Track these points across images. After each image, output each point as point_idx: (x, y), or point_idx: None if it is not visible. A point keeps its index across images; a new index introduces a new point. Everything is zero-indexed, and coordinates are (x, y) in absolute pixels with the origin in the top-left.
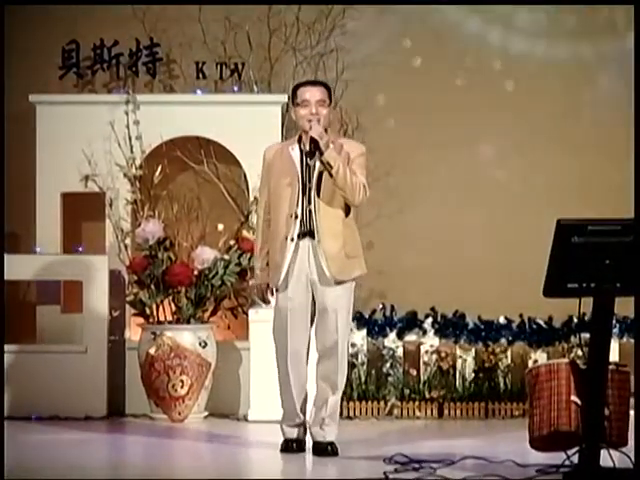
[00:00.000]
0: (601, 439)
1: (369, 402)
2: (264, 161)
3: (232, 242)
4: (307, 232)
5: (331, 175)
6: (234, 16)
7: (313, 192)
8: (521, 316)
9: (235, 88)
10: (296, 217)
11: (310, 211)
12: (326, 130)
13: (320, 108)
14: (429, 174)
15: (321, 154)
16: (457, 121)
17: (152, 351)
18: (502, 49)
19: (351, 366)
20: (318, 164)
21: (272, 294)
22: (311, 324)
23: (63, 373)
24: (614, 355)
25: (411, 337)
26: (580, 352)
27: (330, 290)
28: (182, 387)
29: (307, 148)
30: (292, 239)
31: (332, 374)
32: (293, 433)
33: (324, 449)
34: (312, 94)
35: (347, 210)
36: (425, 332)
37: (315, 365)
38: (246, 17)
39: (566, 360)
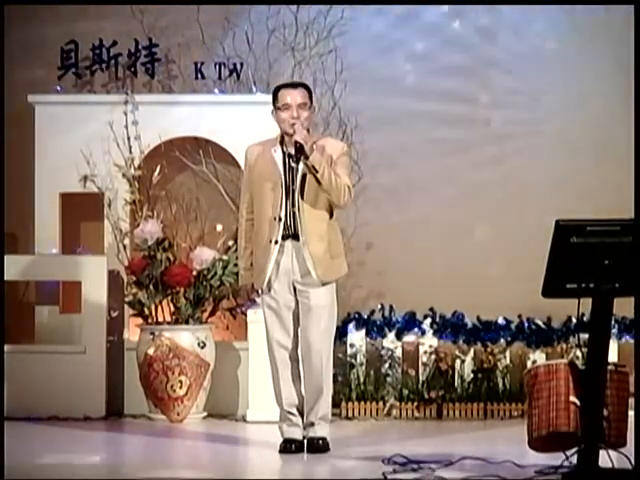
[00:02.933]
0: (600, 440)
1: (368, 402)
2: (246, 161)
3: (231, 242)
4: (291, 234)
5: (317, 179)
6: (233, 16)
7: (297, 195)
8: (520, 316)
9: (234, 88)
10: (280, 220)
11: (294, 214)
12: (308, 131)
13: (301, 111)
14: (428, 174)
15: (306, 158)
16: (457, 120)
17: (151, 351)
18: (505, 49)
19: (350, 366)
20: (301, 167)
21: (257, 294)
22: (298, 323)
23: (62, 373)
24: (613, 355)
25: (410, 337)
26: (579, 353)
27: (314, 291)
28: (181, 387)
29: (289, 150)
30: (276, 242)
31: (317, 377)
32: (291, 433)
33: (315, 444)
34: (293, 97)
35: (331, 212)
36: (424, 332)
37: (301, 366)
38: (245, 17)
39: (565, 361)
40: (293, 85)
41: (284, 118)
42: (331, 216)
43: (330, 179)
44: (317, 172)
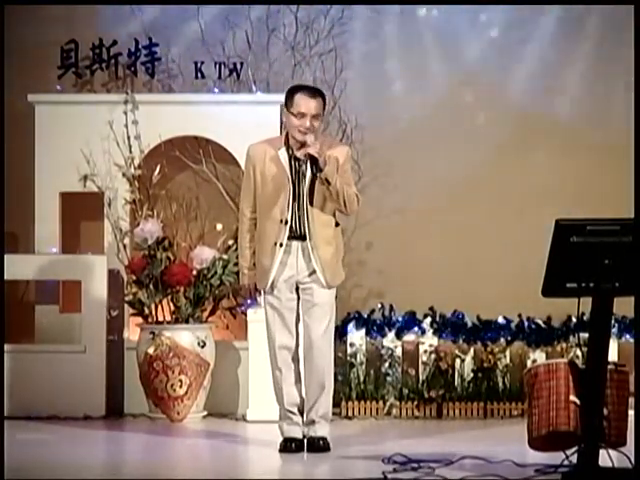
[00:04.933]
0: (600, 439)
1: (368, 402)
2: (249, 160)
3: (231, 242)
4: (297, 236)
5: (329, 190)
6: (233, 16)
7: (303, 198)
8: (520, 316)
9: (234, 88)
10: (286, 223)
11: (300, 217)
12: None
13: (315, 122)
14: (428, 174)
15: (320, 171)
16: (456, 120)
17: (151, 351)
18: (501, 46)
19: (350, 366)
20: (309, 170)
21: (259, 294)
22: (298, 323)
23: (62, 373)
24: (613, 355)
25: (410, 337)
26: (579, 352)
27: (318, 290)
28: (181, 387)
29: (295, 153)
30: (281, 244)
31: (319, 374)
32: (291, 432)
33: (316, 443)
34: (309, 108)
35: (336, 219)
36: (424, 332)
37: (302, 364)
38: (245, 17)
39: (565, 360)
40: (312, 94)
41: (297, 125)
42: (337, 224)
43: (342, 190)
44: (329, 184)
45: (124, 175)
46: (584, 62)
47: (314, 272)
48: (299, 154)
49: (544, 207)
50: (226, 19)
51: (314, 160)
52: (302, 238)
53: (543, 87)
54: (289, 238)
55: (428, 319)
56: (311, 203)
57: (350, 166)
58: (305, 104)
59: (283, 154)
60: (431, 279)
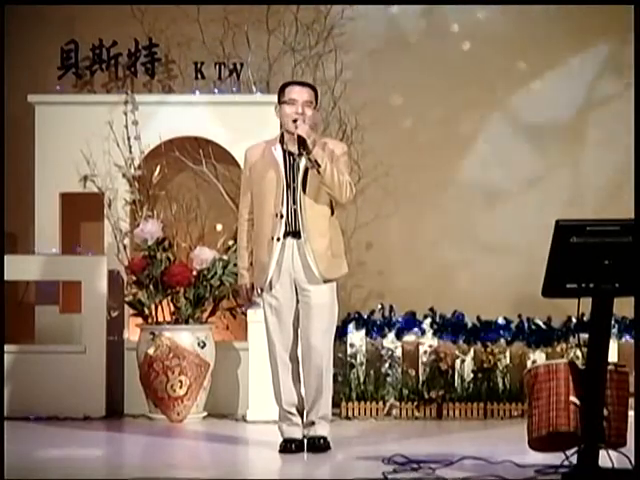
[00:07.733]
0: (600, 439)
1: (368, 402)
2: (246, 161)
3: (231, 242)
4: (292, 232)
5: (319, 173)
6: (233, 16)
7: (298, 191)
8: (520, 316)
9: (234, 88)
10: (281, 217)
11: (295, 211)
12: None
13: (306, 109)
14: (428, 174)
15: (308, 152)
16: (456, 121)
17: (151, 351)
18: (500, 49)
19: (350, 366)
20: (302, 163)
21: (257, 294)
22: (298, 323)
23: (62, 373)
24: (613, 355)
25: (410, 337)
26: (579, 352)
27: (315, 289)
28: (181, 387)
29: (289, 148)
30: (278, 239)
31: (318, 375)
32: (291, 433)
33: (316, 443)
34: (300, 94)
35: (332, 209)
36: (424, 332)
37: (301, 366)
38: (245, 17)
39: (565, 360)
40: (301, 83)
41: (288, 113)
42: (332, 213)
43: (332, 174)
44: (319, 166)
45: (124, 176)
46: (584, 62)
47: (310, 270)
48: (293, 148)
49: (544, 207)
50: (226, 19)
51: (302, 141)
52: (297, 235)
53: (544, 87)
54: (285, 235)
55: (428, 320)
56: (304, 192)
57: (346, 160)
58: (295, 91)
59: (277, 150)
60: (431, 280)
